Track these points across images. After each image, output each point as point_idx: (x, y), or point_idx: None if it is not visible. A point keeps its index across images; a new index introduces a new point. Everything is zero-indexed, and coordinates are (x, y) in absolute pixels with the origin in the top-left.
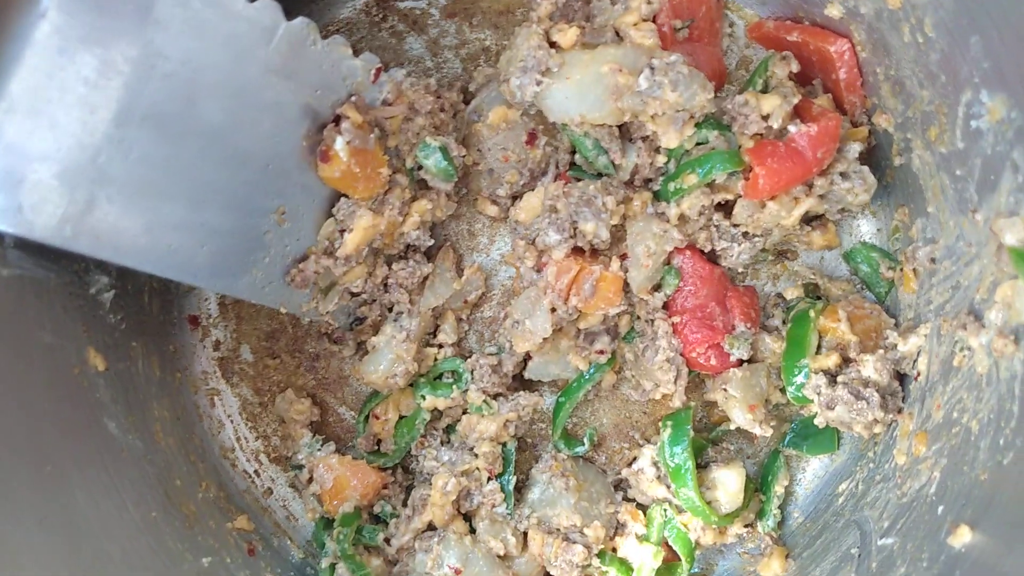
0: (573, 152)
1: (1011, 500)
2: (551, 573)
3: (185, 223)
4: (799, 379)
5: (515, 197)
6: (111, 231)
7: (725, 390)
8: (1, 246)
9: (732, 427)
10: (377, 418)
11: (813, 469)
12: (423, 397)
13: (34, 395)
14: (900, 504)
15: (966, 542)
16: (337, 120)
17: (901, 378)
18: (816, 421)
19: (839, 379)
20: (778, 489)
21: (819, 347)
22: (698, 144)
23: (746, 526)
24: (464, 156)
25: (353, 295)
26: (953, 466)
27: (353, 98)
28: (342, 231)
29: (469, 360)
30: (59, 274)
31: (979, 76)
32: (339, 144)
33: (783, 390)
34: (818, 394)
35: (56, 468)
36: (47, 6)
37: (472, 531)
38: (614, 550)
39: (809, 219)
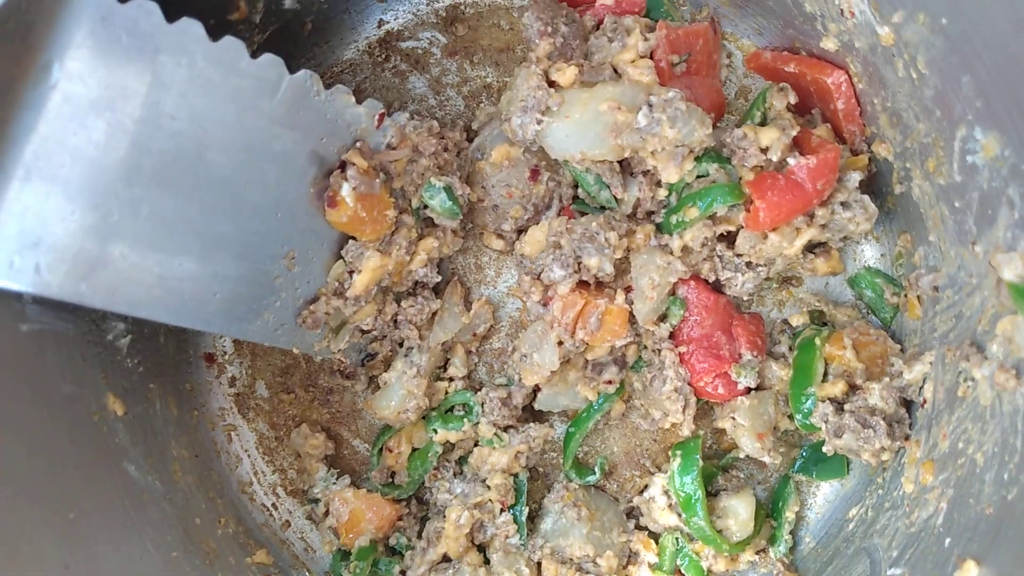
0: (576, 186)
1: (1016, 536)
2: None
3: (197, 274)
4: (806, 407)
5: (520, 231)
6: (125, 285)
7: (733, 418)
8: (20, 303)
9: (742, 455)
10: (391, 451)
11: (824, 494)
12: (435, 431)
13: (56, 444)
14: (908, 534)
15: None
16: (343, 166)
17: (908, 405)
18: (824, 449)
19: (846, 407)
20: (789, 515)
21: (825, 375)
22: (699, 177)
23: (758, 552)
24: (469, 194)
25: (364, 332)
26: (959, 498)
27: (358, 144)
28: (351, 272)
29: (479, 393)
30: (76, 325)
31: (972, 114)
32: (345, 190)
33: (791, 416)
34: (825, 422)
35: (79, 515)
36: (57, 77)
37: (486, 562)
38: None
39: (812, 247)
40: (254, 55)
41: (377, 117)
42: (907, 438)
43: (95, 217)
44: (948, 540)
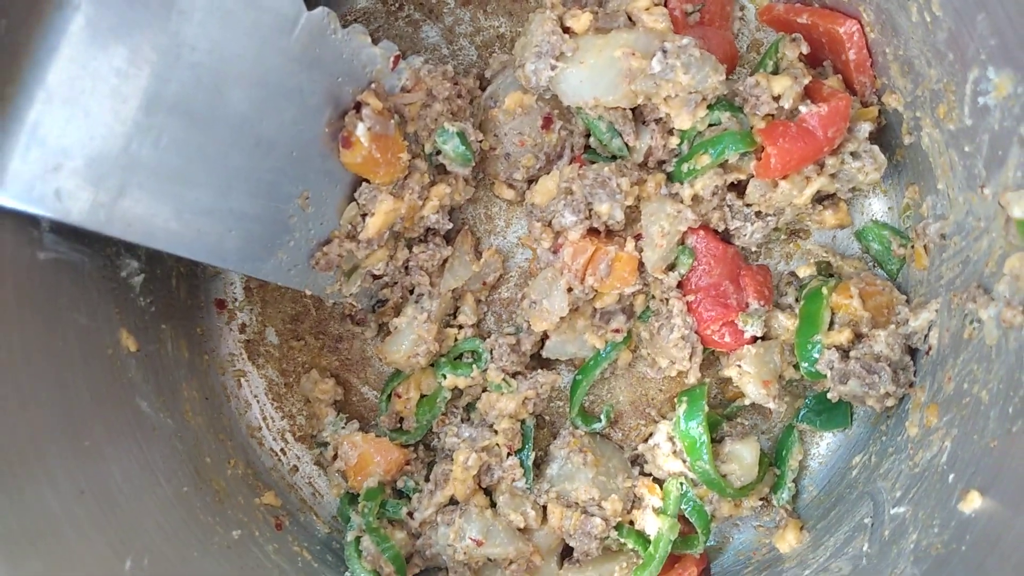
0: (588, 135)
1: (1020, 466)
2: (570, 545)
3: (213, 208)
4: (812, 354)
5: (531, 180)
6: (142, 216)
7: (739, 366)
8: (38, 230)
9: (747, 403)
10: (399, 397)
11: (827, 443)
12: (444, 376)
13: (71, 374)
14: (912, 474)
15: (976, 507)
16: (358, 107)
17: (912, 352)
18: (829, 396)
19: (851, 354)
20: (792, 463)
21: (832, 323)
22: (710, 125)
23: (761, 500)
24: (481, 141)
25: (375, 278)
26: (964, 436)
27: (373, 85)
28: (364, 215)
29: (488, 340)
30: (92, 258)
31: (986, 53)
32: (360, 130)
33: (796, 366)
34: (831, 369)
35: (93, 443)
36: (80, 0)
37: (492, 505)
38: (631, 523)
39: (821, 198)
40: None
41: (392, 59)
42: (911, 384)
43: (115, 145)
44: (952, 476)
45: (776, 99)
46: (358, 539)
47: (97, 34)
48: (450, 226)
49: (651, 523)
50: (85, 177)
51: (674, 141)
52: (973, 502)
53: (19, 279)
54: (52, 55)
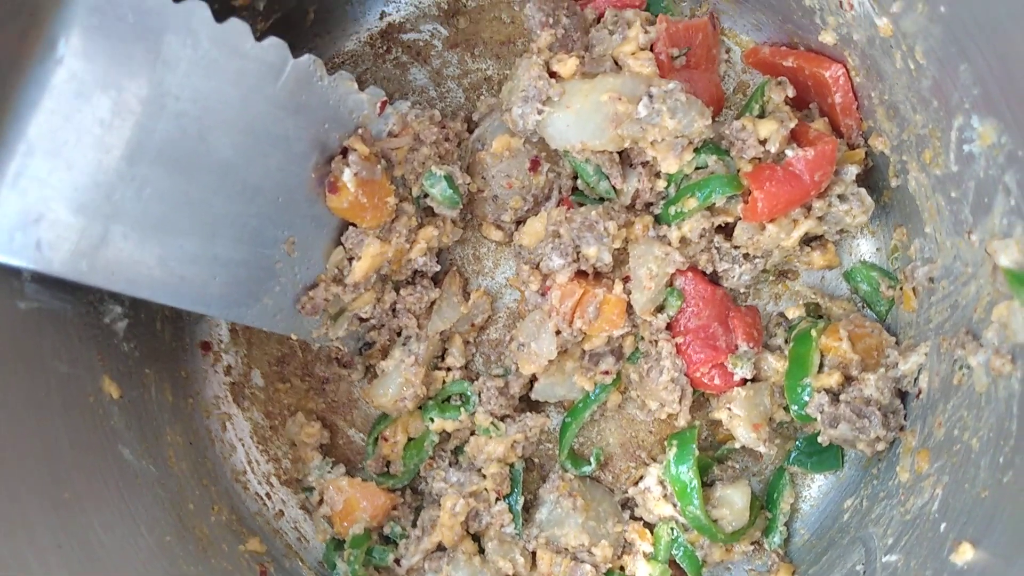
0: (575, 177)
1: (1011, 518)
2: None
3: (198, 256)
4: (802, 398)
5: (519, 222)
6: (126, 265)
7: (729, 409)
8: (19, 280)
9: (737, 445)
10: (386, 440)
11: (818, 486)
12: (432, 419)
13: (52, 424)
14: (904, 521)
15: (968, 559)
16: (344, 152)
17: (903, 396)
18: (820, 439)
19: (841, 397)
20: (784, 506)
21: (821, 366)
22: (697, 168)
23: (753, 543)
24: (469, 183)
25: (362, 320)
26: (955, 483)
27: (360, 131)
28: (351, 259)
29: (476, 383)
30: (75, 305)
31: (969, 102)
32: (347, 176)
33: (787, 408)
34: (821, 412)
35: (73, 495)
36: (63, 53)
37: (481, 551)
38: (622, 568)
39: (809, 240)
40: (260, 39)
41: (379, 104)
42: (902, 428)
43: (97, 195)
44: (943, 525)
45: (763, 143)
46: None
47: (81, 86)
48: (438, 268)
49: (642, 569)
50: (67, 227)
51: (661, 184)
52: (965, 554)
53: (1, 329)
54: (33, 108)
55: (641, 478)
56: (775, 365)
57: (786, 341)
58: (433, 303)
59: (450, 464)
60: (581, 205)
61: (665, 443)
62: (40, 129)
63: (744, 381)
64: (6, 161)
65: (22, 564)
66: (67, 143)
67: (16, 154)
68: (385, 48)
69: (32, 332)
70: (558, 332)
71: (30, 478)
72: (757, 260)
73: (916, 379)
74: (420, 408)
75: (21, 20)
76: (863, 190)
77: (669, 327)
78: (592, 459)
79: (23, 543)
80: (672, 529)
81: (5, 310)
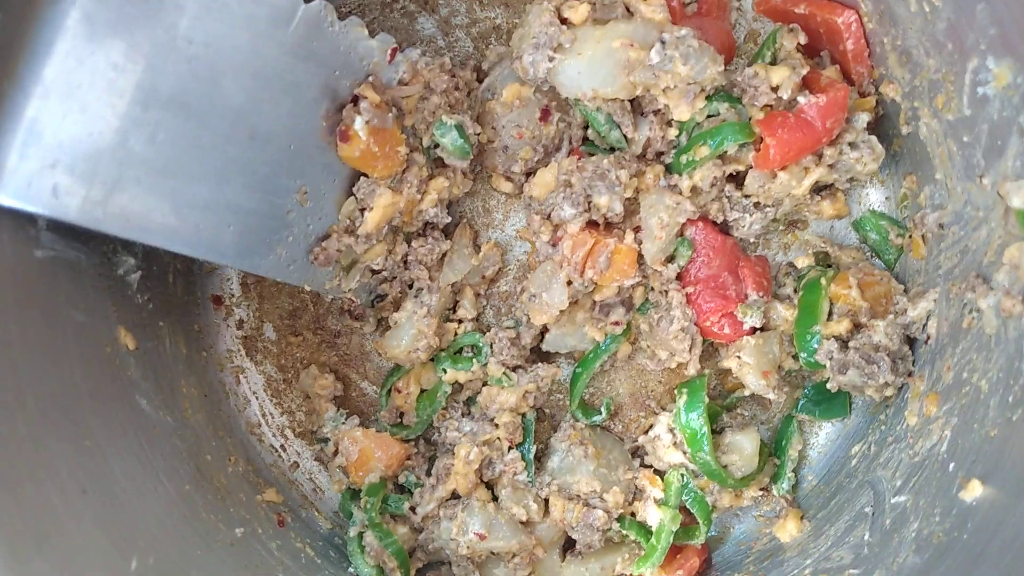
0: (586, 127)
1: (1020, 454)
2: (572, 538)
3: (211, 203)
4: (811, 345)
5: (529, 173)
6: (140, 212)
7: (739, 357)
8: (35, 228)
9: (746, 393)
10: (399, 392)
11: (826, 433)
12: (444, 370)
13: (71, 372)
14: (912, 463)
15: (977, 496)
16: (355, 100)
17: (911, 342)
18: (828, 386)
19: (850, 344)
20: (792, 453)
21: (830, 314)
22: (709, 116)
23: (761, 490)
24: (479, 134)
25: (374, 272)
26: (963, 424)
27: (370, 78)
28: (362, 210)
29: (488, 334)
30: (89, 256)
31: (985, 43)
32: (358, 124)
33: (796, 357)
34: (830, 359)
35: (94, 442)
36: None
37: (494, 499)
38: (633, 515)
39: (819, 189)
40: None
41: (390, 52)
42: (910, 374)
43: (112, 140)
44: (952, 464)
45: (774, 90)
46: (361, 535)
47: (93, 29)
48: (448, 220)
49: (653, 514)
50: (82, 173)
51: (672, 132)
52: (974, 490)
53: (17, 277)
54: (48, 50)
55: (651, 427)
56: (784, 314)
57: (795, 291)
58: (444, 255)
59: (463, 414)
60: (591, 155)
61: (675, 392)
62: (55, 72)
63: (753, 330)
64: (22, 105)
65: (50, 508)
66: (81, 87)
67: (32, 97)
68: None
69: (48, 280)
70: (569, 282)
71: (53, 425)
72: (768, 209)
73: (924, 325)
74: (432, 360)
75: None
76: (874, 138)
77: (679, 277)
78: (603, 408)
79: (50, 488)
80: (682, 475)
81: (22, 258)
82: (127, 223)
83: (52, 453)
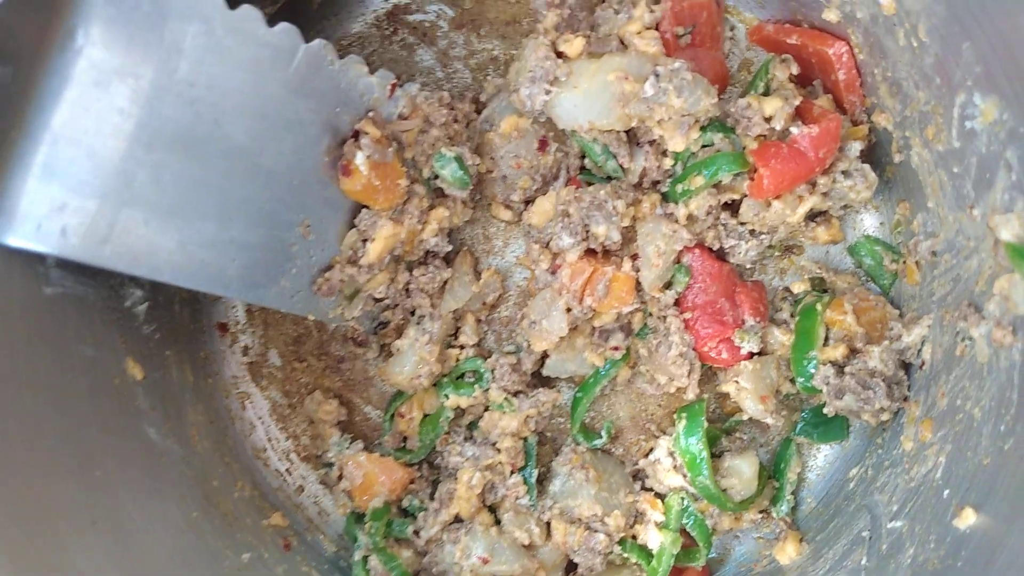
0: (583, 157)
1: (1012, 483)
2: (574, 561)
3: (216, 239)
4: (808, 370)
5: (528, 201)
6: (147, 250)
7: (737, 382)
8: (44, 266)
9: (745, 417)
10: (402, 417)
11: (824, 456)
12: (447, 396)
13: (80, 406)
14: (908, 488)
15: (971, 523)
16: (356, 135)
17: (907, 367)
18: (825, 411)
19: (846, 370)
20: (791, 476)
21: (826, 339)
22: (704, 147)
23: (761, 512)
24: (478, 164)
25: (376, 301)
26: (957, 451)
27: (371, 113)
28: (364, 240)
29: (489, 360)
30: (97, 290)
31: (971, 80)
32: (359, 159)
33: (793, 381)
34: (827, 384)
35: (103, 473)
36: (82, 43)
37: (497, 522)
38: (634, 537)
39: (813, 215)
40: (269, 23)
41: (389, 87)
42: (906, 399)
43: (118, 182)
44: (947, 491)
45: (768, 120)
46: (365, 558)
47: (100, 76)
48: (449, 248)
49: (653, 537)
50: (89, 214)
51: (668, 162)
52: (968, 519)
53: (28, 315)
54: (57, 99)
55: (651, 450)
56: (781, 339)
57: (792, 315)
58: (445, 283)
59: (465, 439)
60: (589, 184)
61: (674, 416)
62: (63, 119)
63: (751, 355)
64: (32, 152)
65: (60, 541)
66: (88, 132)
67: (42, 144)
68: (391, 29)
69: (57, 317)
70: (568, 309)
71: (62, 459)
72: (763, 236)
73: (919, 351)
74: (435, 385)
75: (43, 12)
76: (867, 166)
77: (677, 303)
78: (603, 432)
79: (60, 522)
80: (682, 499)
81: (32, 296)
82: (134, 261)
83: (62, 486)
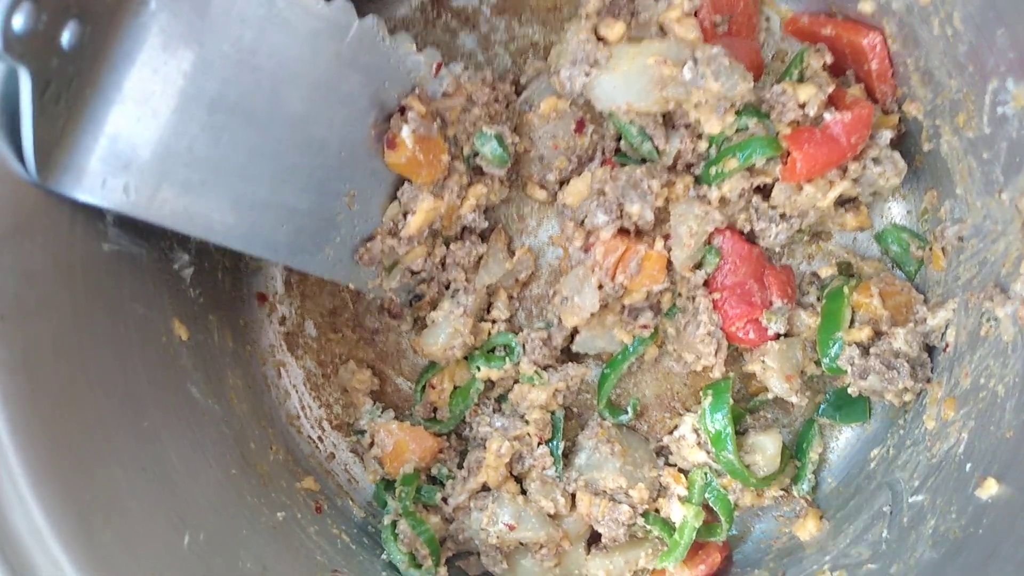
0: (618, 139)
1: None
2: (598, 531)
3: (268, 203)
4: (833, 351)
5: (562, 182)
6: (203, 210)
7: (763, 362)
8: (103, 223)
9: (769, 397)
10: (433, 388)
11: (846, 437)
12: (478, 368)
13: (131, 360)
14: (930, 465)
15: (992, 493)
16: (402, 110)
17: (930, 349)
18: (849, 391)
19: (871, 351)
20: (813, 455)
21: (852, 321)
22: (738, 131)
23: (782, 491)
24: (516, 144)
25: (413, 273)
26: (980, 427)
27: (416, 90)
28: (405, 213)
29: (520, 334)
30: (149, 251)
31: (1005, 66)
32: (405, 132)
33: (817, 362)
34: (851, 365)
35: (151, 425)
36: (155, 9)
37: (523, 492)
38: (657, 511)
39: (843, 202)
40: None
41: (435, 66)
42: (929, 380)
43: (180, 143)
44: (969, 465)
45: (801, 106)
46: (394, 523)
47: (168, 40)
48: (485, 225)
49: (676, 511)
50: (151, 173)
51: (703, 145)
52: (990, 488)
53: (88, 269)
54: (129, 60)
55: (676, 427)
56: (807, 321)
57: (818, 299)
58: (480, 258)
59: (494, 411)
60: (624, 166)
61: (700, 394)
62: (132, 80)
63: (777, 336)
64: (104, 111)
65: (115, 486)
66: (155, 94)
67: (113, 103)
68: (435, 14)
69: (113, 274)
70: (600, 286)
71: (115, 409)
72: (793, 220)
73: (944, 334)
74: (466, 358)
75: None
76: (896, 153)
77: (707, 283)
78: (629, 409)
79: (114, 467)
80: (706, 474)
81: (92, 251)
82: (190, 220)
83: (116, 435)
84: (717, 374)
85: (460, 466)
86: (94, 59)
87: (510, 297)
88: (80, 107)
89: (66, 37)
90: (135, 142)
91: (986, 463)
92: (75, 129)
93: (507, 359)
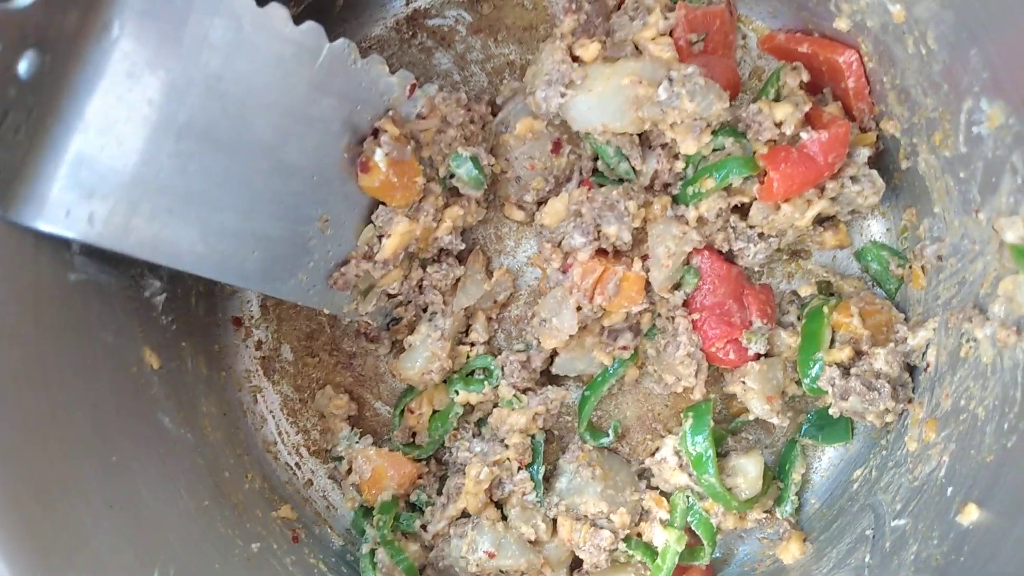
0: (595, 159)
1: (1015, 479)
2: (580, 557)
3: (237, 231)
4: (814, 371)
5: (540, 203)
6: (171, 239)
7: (744, 383)
8: (69, 253)
9: (751, 418)
10: (412, 412)
11: (828, 458)
12: (456, 392)
13: (100, 391)
14: (912, 487)
15: (973, 519)
16: (376, 133)
17: (911, 369)
18: (831, 411)
19: (852, 371)
20: (795, 477)
21: (832, 341)
22: (715, 150)
23: (765, 512)
24: (493, 165)
25: (390, 296)
26: (961, 450)
27: (390, 112)
28: (380, 237)
29: (499, 357)
30: (118, 278)
31: (979, 85)
32: (378, 156)
33: (799, 382)
34: (832, 385)
35: (120, 458)
36: (117, 35)
37: (504, 518)
38: (639, 535)
39: (821, 220)
40: (295, 22)
41: (409, 87)
42: (910, 401)
43: (146, 171)
44: (950, 489)
45: (778, 125)
46: (373, 551)
47: (133, 67)
48: (462, 247)
49: (658, 535)
50: (117, 202)
51: (679, 165)
52: (971, 514)
53: (54, 299)
54: (91, 88)
55: (657, 449)
56: (788, 341)
57: (798, 318)
58: (458, 280)
59: (473, 435)
60: (601, 186)
61: (681, 415)
62: (96, 108)
63: (758, 356)
64: (66, 139)
65: (79, 521)
66: (119, 121)
67: (75, 132)
68: (411, 33)
69: (80, 303)
70: (579, 308)
71: (82, 441)
72: (772, 239)
73: (924, 353)
74: (445, 381)
75: (82, 3)
76: (874, 172)
77: (686, 304)
78: (610, 431)
79: (78, 502)
80: (688, 497)
81: (57, 281)
82: (157, 249)
83: (81, 468)
84: (698, 395)
85: (440, 492)
86: (55, 88)
87: (489, 319)
88: (41, 136)
89: (24, 66)
90: (100, 171)
91: (967, 488)
92: (36, 159)
93: (486, 382)
